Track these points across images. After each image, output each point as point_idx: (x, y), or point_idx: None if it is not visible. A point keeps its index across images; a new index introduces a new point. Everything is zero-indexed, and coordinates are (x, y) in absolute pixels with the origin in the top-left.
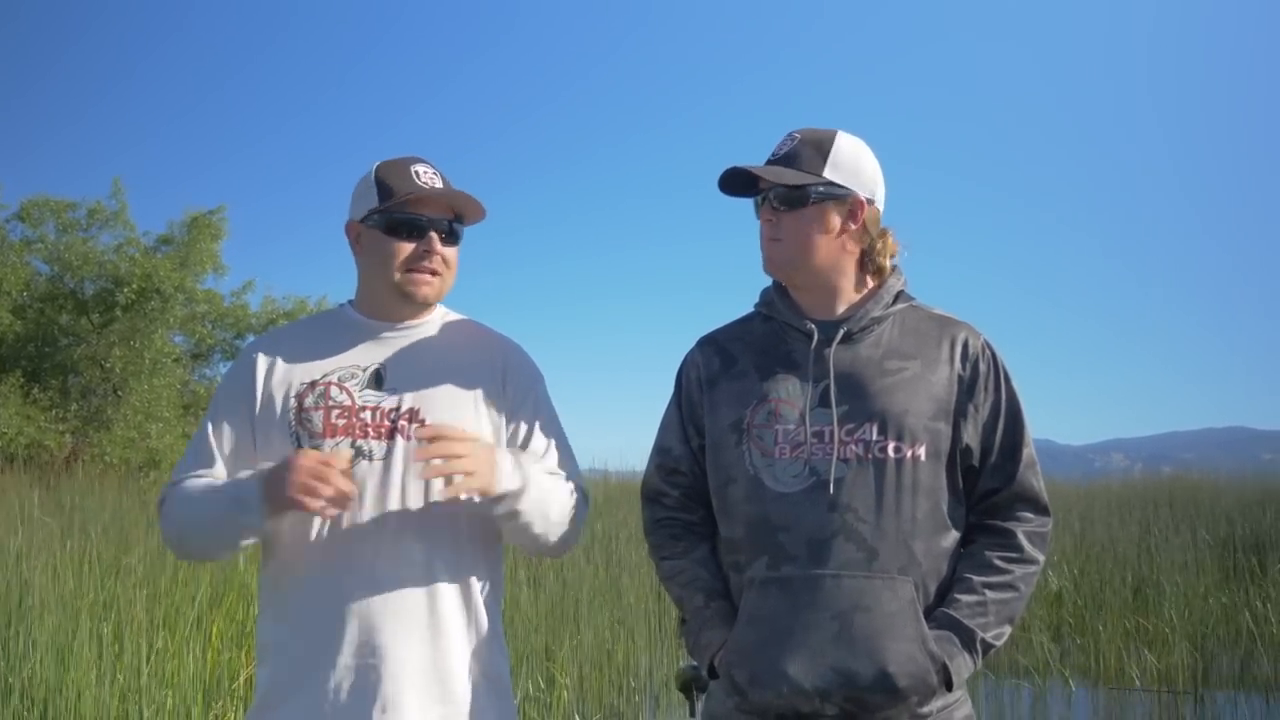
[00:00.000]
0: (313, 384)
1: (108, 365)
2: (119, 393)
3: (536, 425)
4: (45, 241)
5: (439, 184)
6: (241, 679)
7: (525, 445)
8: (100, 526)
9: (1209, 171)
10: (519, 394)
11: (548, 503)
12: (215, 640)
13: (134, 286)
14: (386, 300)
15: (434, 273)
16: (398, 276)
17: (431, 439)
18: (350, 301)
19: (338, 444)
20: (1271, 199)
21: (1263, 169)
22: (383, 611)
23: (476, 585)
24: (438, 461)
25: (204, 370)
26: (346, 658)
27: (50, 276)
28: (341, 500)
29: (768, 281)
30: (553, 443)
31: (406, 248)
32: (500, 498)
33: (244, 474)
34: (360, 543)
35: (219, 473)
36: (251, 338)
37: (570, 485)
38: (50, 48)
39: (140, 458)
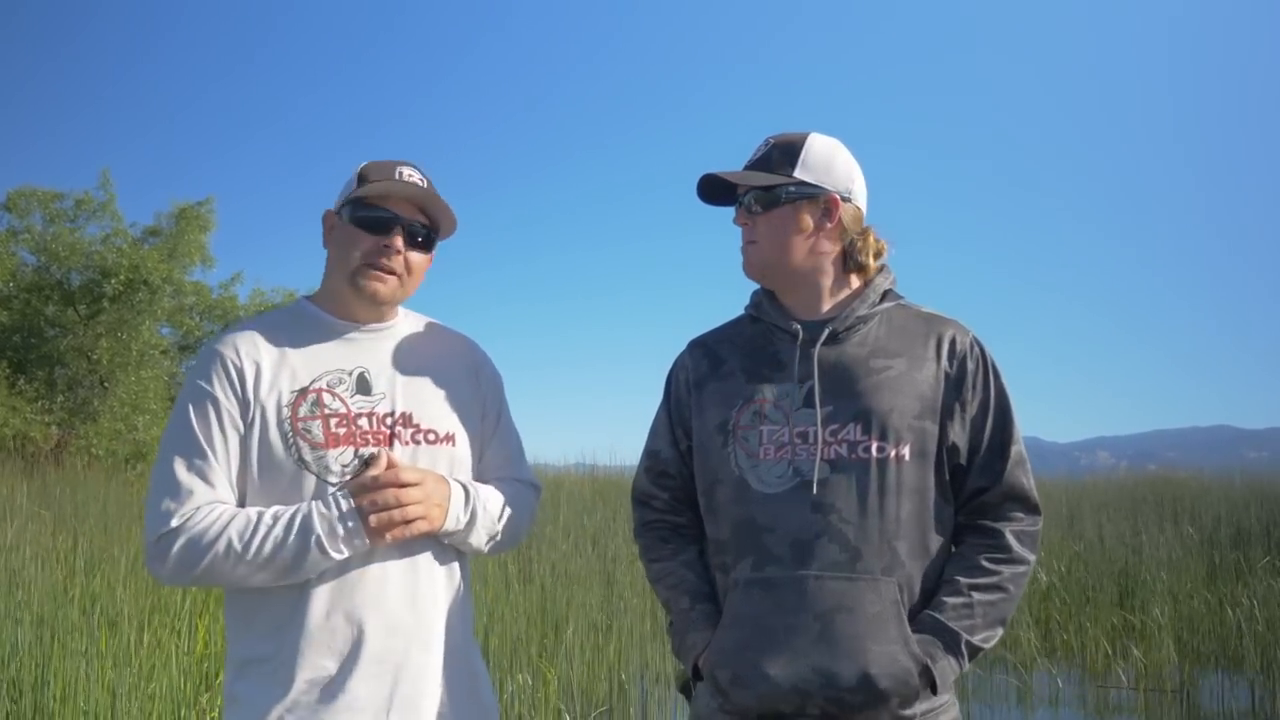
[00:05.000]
0: (303, 391)
1: (94, 357)
2: (106, 385)
3: (500, 427)
4: (32, 232)
5: (423, 188)
6: None
7: (490, 445)
8: (88, 519)
9: (1210, 169)
10: (490, 394)
11: (494, 525)
12: (203, 634)
13: (121, 278)
14: (346, 296)
15: (392, 272)
16: (354, 269)
17: (375, 485)
18: (307, 297)
19: (340, 454)
20: (1264, 197)
21: (1265, 166)
22: (397, 617)
23: (463, 585)
24: (393, 511)
25: (191, 362)
26: (364, 666)
27: (36, 267)
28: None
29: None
30: (513, 445)
31: (368, 240)
32: (448, 534)
33: (309, 506)
34: (369, 552)
35: (226, 497)
36: None
37: (516, 498)
38: (42, 42)
39: (127, 450)
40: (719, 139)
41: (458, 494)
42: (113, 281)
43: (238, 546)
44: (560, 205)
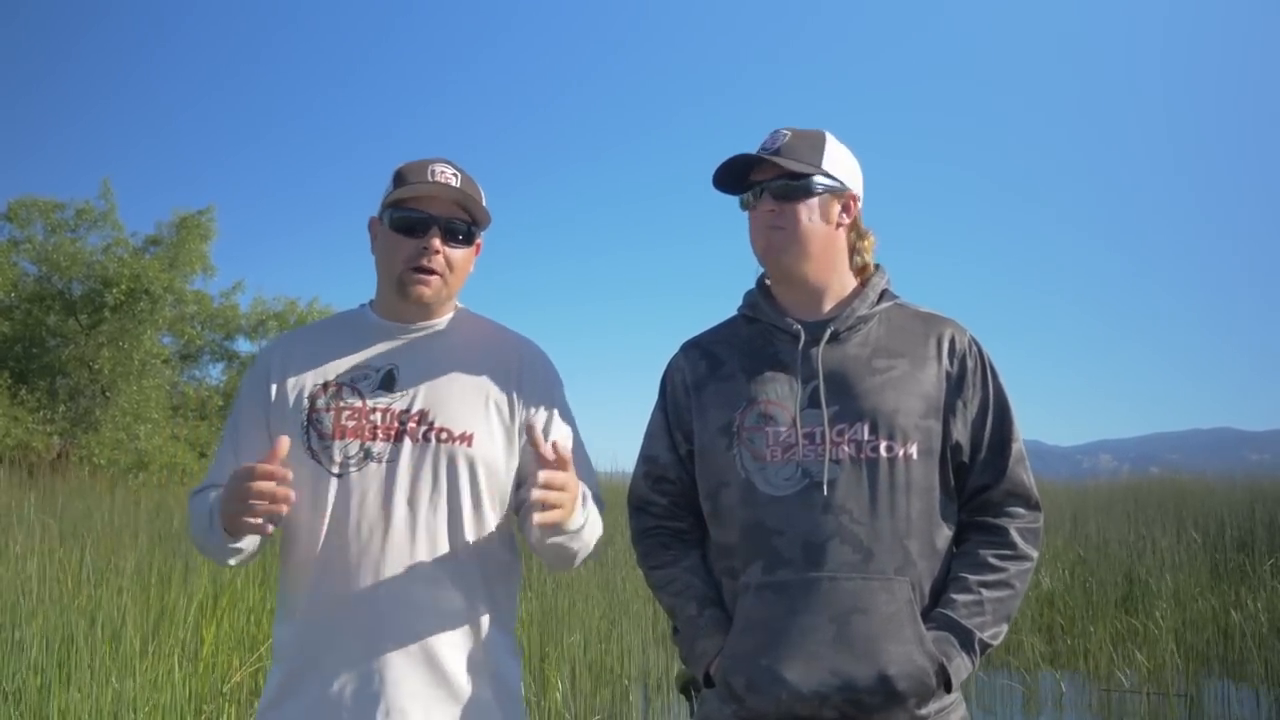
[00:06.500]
0: (325, 385)
1: (96, 366)
2: (107, 394)
3: (552, 433)
4: (33, 242)
5: (455, 184)
6: (234, 682)
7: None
8: (92, 529)
9: (1209, 172)
10: (533, 397)
11: (593, 535)
12: (208, 644)
13: (122, 287)
14: (393, 299)
15: (434, 272)
16: (398, 274)
17: (546, 483)
18: (370, 302)
19: (345, 445)
20: (1263, 200)
21: (1264, 169)
22: (387, 614)
23: (484, 588)
24: (550, 494)
25: (193, 371)
26: (351, 660)
27: (38, 277)
28: (275, 507)
29: (752, 284)
30: (573, 453)
31: (407, 244)
32: (567, 531)
33: (216, 495)
34: (365, 545)
35: None
36: (241, 339)
37: (597, 509)
38: (41, 51)
39: (129, 460)
40: (719, 147)
41: (579, 494)
42: (114, 291)
43: (196, 517)
44: (560, 211)
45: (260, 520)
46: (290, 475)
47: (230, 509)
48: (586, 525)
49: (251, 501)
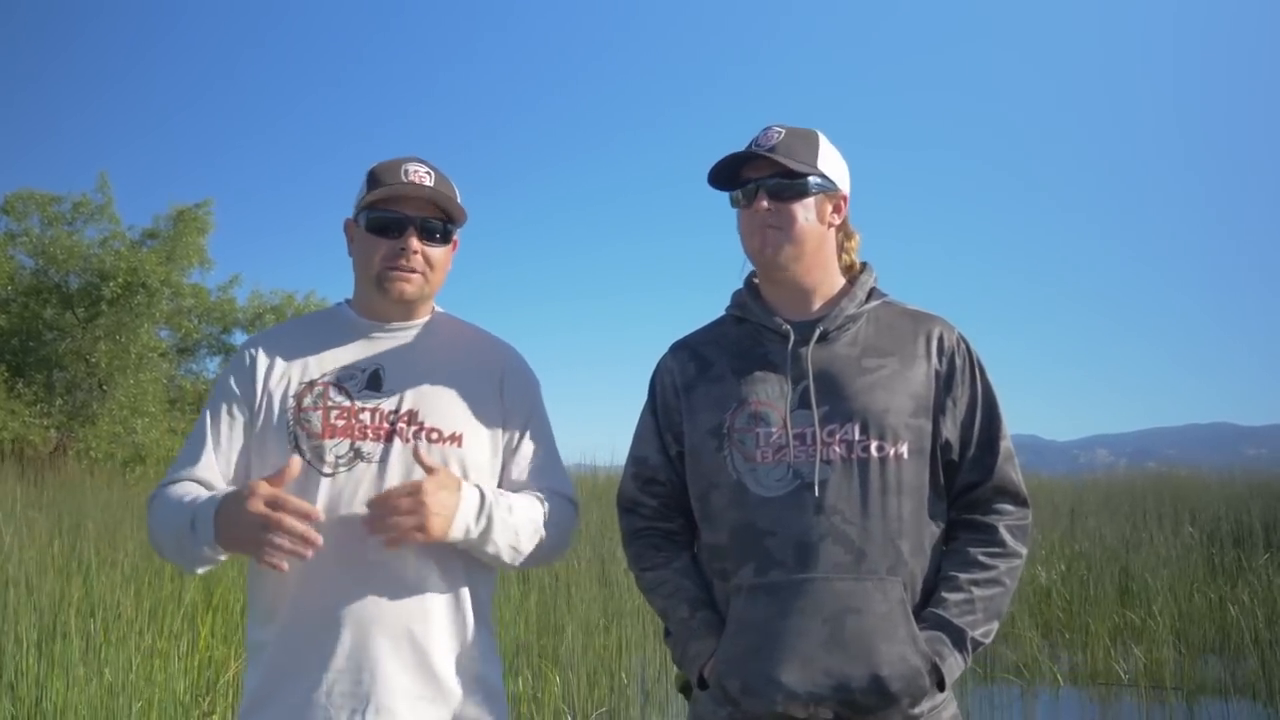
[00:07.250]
0: (311, 384)
1: (93, 360)
2: (104, 388)
3: (528, 435)
4: (30, 235)
5: (429, 183)
6: (229, 675)
7: (515, 452)
8: (88, 522)
9: (1209, 163)
10: (517, 402)
11: (518, 537)
12: (204, 637)
13: (119, 281)
14: (374, 298)
15: (413, 271)
16: (376, 273)
17: (381, 503)
18: (348, 300)
19: (336, 445)
20: (1264, 192)
21: (1265, 160)
22: (375, 615)
23: (468, 588)
24: (393, 524)
25: (190, 365)
26: (338, 660)
27: (35, 270)
28: (302, 551)
29: (740, 280)
30: (542, 453)
31: (384, 245)
32: (457, 541)
33: (205, 497)
34: (354, 545)
35: (207, 475)
36: (239, 332)
37: (550, 508)
38: (39, 45)
39: (126, 453)
40: (705, 144)
41: (470, 499)
42: (111, 284)
43: (167, 511)
44: (558, 206)
45: (279, 560)
46: (323, 518)
47: (248, 532)
48: (494, 529)
49: (278, 540)
